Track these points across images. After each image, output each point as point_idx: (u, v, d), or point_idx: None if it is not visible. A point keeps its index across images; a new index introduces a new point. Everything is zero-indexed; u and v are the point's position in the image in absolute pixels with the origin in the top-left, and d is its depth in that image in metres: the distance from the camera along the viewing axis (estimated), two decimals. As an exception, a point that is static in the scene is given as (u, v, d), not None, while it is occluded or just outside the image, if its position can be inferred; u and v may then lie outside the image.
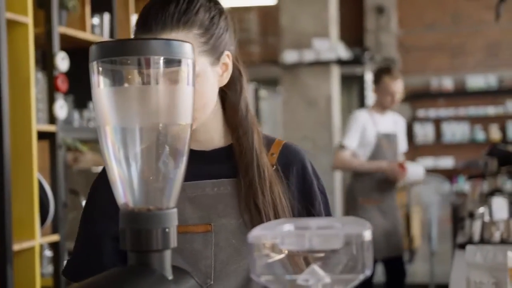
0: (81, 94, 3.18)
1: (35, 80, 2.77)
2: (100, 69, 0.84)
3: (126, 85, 0.94)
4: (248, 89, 1.34)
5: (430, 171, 9.52)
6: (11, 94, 2.61)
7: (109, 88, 0.85)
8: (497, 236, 2.74)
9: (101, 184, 1.25)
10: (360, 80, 7.03)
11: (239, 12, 9.90)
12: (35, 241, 2.69)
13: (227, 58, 1.24)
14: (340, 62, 6.00)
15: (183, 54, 0.85)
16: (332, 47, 5.90)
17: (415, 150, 10.28)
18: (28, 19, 2.67)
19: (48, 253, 2.96)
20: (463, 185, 9.47)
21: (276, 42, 8.72)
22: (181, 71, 0.86)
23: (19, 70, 2.67)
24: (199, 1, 1.18)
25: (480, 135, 10.06)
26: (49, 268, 3.03)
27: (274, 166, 1.26)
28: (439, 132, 10.26)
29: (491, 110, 9.98)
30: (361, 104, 7.13)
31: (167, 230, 0.83)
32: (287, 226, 0.78)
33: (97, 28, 3.24)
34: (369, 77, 7.27)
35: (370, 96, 7.33)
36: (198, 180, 1.22)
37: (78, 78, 3.08)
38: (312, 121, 6.02)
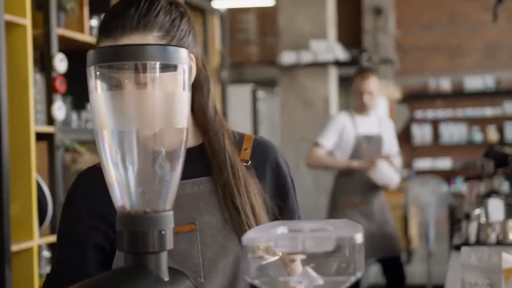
0: (79, 96, 3.20)
1: (34, 82, 2.78)
2: (98, 74, 0.86)
3: (123, 89, 0.96)
4: (215, 91, 1.36)
5: (428, 172, 9.54)
6: (10, 95, 2.62)
7: (106, 93, 0.87)
8: (493, 237, 2.75)
9: (77, 193, 1.24)
10: (357, 81, 7.05)
11: (237, 12, 9.92)
12: (34, 242, 2.70)
13: (190, 60, 1.25)
14: (338, 63, 6.01)
15: (179, 59, 0.87)
16: (330, 48, 5.92)
17: (413, 151, 10.30)
18: (27, 21, 2.68)
19: (46, 253, 2.97)
20: (461, 186, 9.48)
21: (274, 42, 8.73)
22: (177, 76, 0.87)
23: (17, 71, 2.68)
24: (160, 4, 1.18)
25: (477, 136, 10.08)
26: (47, 269, 3.04)
27: (249, 161, 1.28)
28: (437, 133, 10.28)
29: (488, 111, 10.00)
30: (359, 105, 7.15)
31: (163, 232, 0.84)
32: (281, 229, 0.79)
33: (95, 30, 3.25)
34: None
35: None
36: None
37: (76, 79, 3.09)
38: (309, 122, 6.03)
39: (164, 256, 0.85)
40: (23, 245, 2.65)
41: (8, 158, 2.58)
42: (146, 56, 0.85)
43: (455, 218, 4.40)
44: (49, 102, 2.89)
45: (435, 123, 10.27)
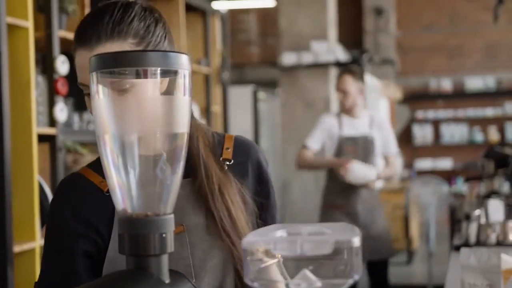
0: (81, 97, 3.20)
1: (36, 84, 2.79)
2: (100, 79, 0.87)
3: (124, 95, 0.97)
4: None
5: (429, 172, 9.55)
6: (12, 97, 2.63)
7: (108, 98, 0.88)
8: (493, 238, 2.76)
9: (62, 202, 1.24)
10: (358, 81, 7.06)
11: (238, 13, 9.93)
12: (36, 243, 2.71)
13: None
14: (339, 64, 6.02)
15: (179, 65, 0.88)
16: (331, 49, 5.93)
17: (414, 151, 10.31)
18: (29, 23, 2.70)
19: (48, 254, 2.98)
20: (462, 186, 9.49)
21: (275, 43, 8.74)
22: (178, 82, 0.88)
23: (19, 73, 2.69)
24: (134, 10, 1.19)
25: (478, 137, 10.08)
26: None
27: (231, 160, 1.29)
28: (438, 133, 10.29)
29: (489, 111, 10.01)
30: (360, 105, 7.16)
31: (164, 235, 0.86)
32: (280, 232, 0.80)
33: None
34: (367, 79, 7.29)
35: (369, 98, 7.34)
36: None
37: (77, 81, 3.10)
38: (310, 123, 6.04)
39: (165, 258, 0.87)
40: (25, 246, 2.66)
41: (10, 160, 2.59)
42: (147, 62, 0.86)
43: (456, 219, 4.41)
44: (51, 104, 2.90)
45: (436, 124, 10.28)
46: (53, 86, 2.90)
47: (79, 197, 1.23)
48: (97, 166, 1.25)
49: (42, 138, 2.85)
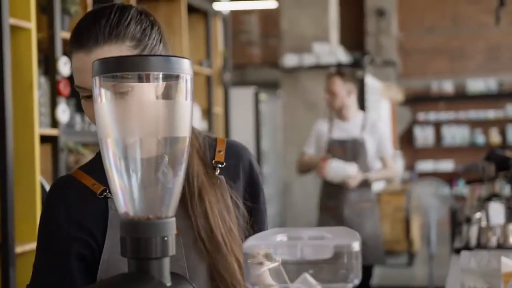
0: (82, 98, 3.22)
1: (38, 85, 2.80)
2: (102, 83, 0.88)
3: (126, 99, 0.98)
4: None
5: (430, 174, 9.55)
6: (14, 98, 2.65)
7: (110, 102, 0.89)
8: (493, 241, 2.76)
9: (55, 204, 1.24)
10: (360, 83, 7.06)
11: (240, 14, 9.94)
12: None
13: None
14: (340, 66, 6.03)
15: (181, 70, 0.89)
16: (332, 51, 5.93)
17: (415, 153, 10.32)
18: (31, 25, 2.71)
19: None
20: (463, 188, 9.49)
21: (276, 44, 8.75)
22: (179, 86, 0.89)
23: (22, 74, 2.70)
24: (130, 14, 1.19)
25: (480, 139, 10.09)
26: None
27: (224, 163, 1.29)
28: (439, 136, 10.29)
29: (491, 113, 10.01)
30: (361, 107, 7.16)
31: (165, 238, 0.86)
32: (280, 236, 0.81)
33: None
34: (369, 80, 7.29)
35: (370, 100, 7.35)
36: None
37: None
38: (311, 124, 6.04)
39: (166, 261, 0.87)
40: (27, 247, 2.67)
41: (12, 161, 2.60)
42: (149, 66, 0.87)
43: (456, 221, 4.41)
44: (53, 105, 2.91)
45: (437, 126, 10.28)
46: (55, 87, 2.91)
47: (71, 200, 1.23)
48: (89, 168, 1.26)
49: (44, 139, 2.86)
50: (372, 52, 9.47)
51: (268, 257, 0.78)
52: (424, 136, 10.29)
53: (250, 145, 6.21)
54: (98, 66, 0.88)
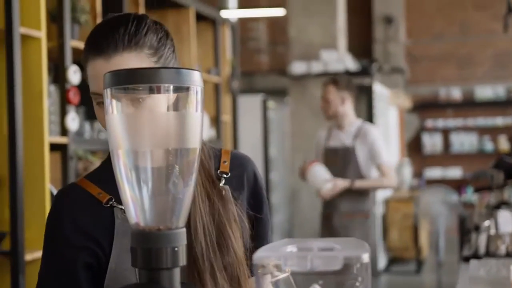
0: (92, 106, 3.23)
1: (48, 93, 2.82)
2: (114, 95, 0.89)
3: (138, 111, 0.99)
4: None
5: (438, 182, 9.52)
6: (24, 107, 2.66)
7: (121, 114, 0.90)
8: (502, 249, 2.75)
9: (61, 213, 1.24)
10: (368, 91, 7.06)
11: (248, 21, 9.96)
12: (46, 251, 2.73)
13: None
14: (348, 73, 6.03)
15: (192, 82, 0.89)
16: (340, 58, 5.94)
17: (423, 160, 10.29)
18: (41, 33, 2.73)
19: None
20: (471, 195, 9.46)
21: (284, 51, 8.76)
22: (190, 98, 0.90)
23: (32, 83, 2.72)
24: (147, 23, 1.21)
25: (488, 146, 10.06)
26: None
27: (228, 173, 1.30)
28: (448, 142, 10.27)
29: (499, 120, 9.98)
30: (369, 115, 7.15)
31: (176, 249, 0.87)
32: (290, 247, 0.82)
33: (108, 42, 3.30)
34: (377, 88, 7.29)
35: (378, 107, 7.34)
36: None
37: (89, 90, 3.13)
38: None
39: (177, 272, 0.88)
40: (36, 254, 2.68)
41: (22, 168, 2.62)
42: (160, 78, 0.88)
43: (465, 229, 4.39)
44: (63, 113, 2.93)
45: (445, 132, 10.26)
46: (65, 95, 2.93)
47: (77, 209, 1.23)
48: (95, 177, 1.26)
49: (53, 147, 2.87)
50: (380, 59, 9.47)
51: (278, 268, 0.79)
52: (432, 143, 10.27)
53: (258, 152, 6.21)
54: (110, 78, 0.89)
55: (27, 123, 2.68)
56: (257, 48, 10.26)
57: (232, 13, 5.52)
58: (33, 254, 2.67)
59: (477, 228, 3.23)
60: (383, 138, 4.16)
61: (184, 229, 0.88)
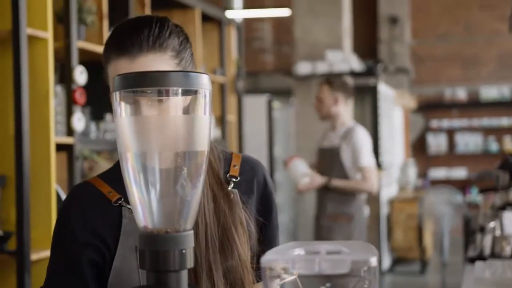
0: (98, 106, 3.25)
1: (54, 93, 2.83)
2: (122, 99, 0.89)
3: (146, 114, 0.99)
4: None
5: (443, 182, 9.51)
6: (31, 107, 2.67)
7: (130, 117, 0.90)
8: (508, 250, 2.75)
9: (71, 210, 1.26)
10: (373, 91, 7.05)
11: (253, 21, 9.96)
12: (52, 251, 2.74)
13: None
14: (353, 74, 6.02)
15: (200, 85, 0.90)
16: (345, 58, 5.93)
17: (428, 161, 10.28)
18: (48, 34, 2.74)
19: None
20: (476, 196, 9.45)
21: (289, 51, 8.76)
22: (198, 101, 0.91)
23: (38, 83, 2.73)
24: (169, 26, 1.22)
25: (493, 146, 10.04)
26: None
27: (238, 177, 1.31)
28: (452, 143, 10.25)
29: (504, 121, 9.96)
30: (374, 115, 7.15)
31: (183, 251, 0.87)
32: (298, 250, 0.82)
33: (114, 42, 3.30)
34: (382, 88, 7.28)
35: (383, 108, 7.34)
36: None
37: (95, 90, 3.14)
38: (324, 132, 6.04)
39: (184, 274, 0.88)
40: (42, 254, 2.69)
41: (28, 168, 2.63)
42: (169, 82, 0.88)
43: (470, 229, 4.39)
44: (69, 114, 2.94)
45: (450, 133, 10.24)
46: (71, 96, 2.94)
47: (87, 207, 1.25)
48: (107, 176, 1.28)
49: (59, 147, 2.88)
50: (385, 59, 9.46)
51: (285, 271, 0.79)
52: (437, 143, 10.25)
53: (263, 153, 6.22)
54: (119, 82, 0.89)
55: (33, 123, 2.69)
56: (262, 48, 10.26)
57: (237, 13, 5.52)
58: (39, 254, 2.68)
59: (482, 229, 3.23)
60: (369, 141, 4.06)
61: (192, 232, 0.89)
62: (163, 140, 0.90)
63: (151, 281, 0.88)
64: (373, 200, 6.79)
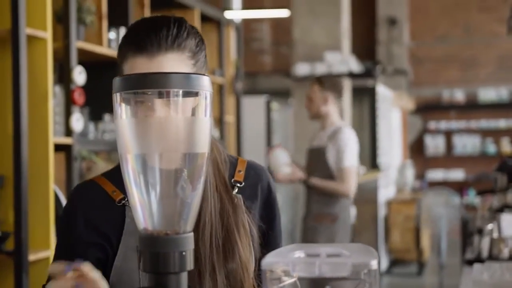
0: (97, 107, 3.24)
1: (53, 93, 2.83)
2: (123, 100, 0.89)
3: (147, 115, 0.99)
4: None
5: (440, 184, 9.52)
6: (29, 107, 2.67)
7: (131, 119, 0.90)
8: (506, 252, 2.75)
9: (75, 209, 1.26)
10: (371, 92, 7.05)
11: (252, 22, 9.96)
12: (50, 251, 2.74)
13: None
14: (352, 75, 6.02)
15: (201, 87, 0.90)
16: (344, 60, 5.93)
17: (426, 162, 10.28)
18: (47, 34, 2.73)
19: (62, 262, 3.01)
20: (473, 198, 9.45)
21: (288, 52, 8.76)
22: (199, 103, 0.90)
23: (37, 83, 2.73)
24: (187, 27, 1.22)
25: (491, 148, 10.04)
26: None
27: (242, 183, 1.31)
28: (450, 144, 10.25)
29: (502, 123, 9.97)
30: (372, 116, 7.15)
31: (184, 253, 0.87)
32: (298, 253, 0.82)
33: (113, 42, 3.30)
34: (380, 89, 7.29)
35: (381, 109, 7.34)
36: None
37: (94, 90, 3.14)
38: (323, 133, 6.04)
39: (184, 276, 0.88)
40: (40, 255, 2.69)
41: (27, 169, 2.62)
42: (169, 83, 0.88)
43: (468, 232, 4.39)
44: (68, 114, 2.93)
45: (448, 134, 10.25)
46: (70, 96, 2.94)
47: (90, 206, 1.25)
48: (112, 175, 1.28)
49: (58, 147, 2.88)
50: (384, 60, 9.46)
51: (286, 273, 0.79)
52: (434, 144, 10.26)
53: (261, 154, 6.21)
54: (119, 83, 0.89)
55: (32, 123, 2.68)
56: (260, 49, 10.26)
57: (236, 14, 5.52)
58: (37, 254, 2.68)
59: (480, 231, 3.23)
60: (355, 142, 4.01)
61: (192, 234, 0.89)
62: (163, 142, 0.90)
63: (151, 283, 0.88)
64: (371, 201, 6.79)
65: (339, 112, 4.13)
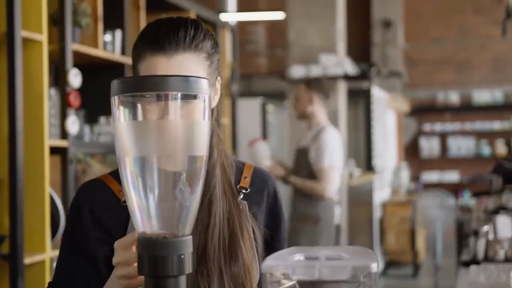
0: (92, 109, 3.24)
1: (48, 96, 2.82)
2: (121, 103, 0.89)
3: (145, 118, 0.99)
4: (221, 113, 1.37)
5: (435, 185, 9.53)
6: (25, 110, 2.66)
7: (129, 122, 0.90)
8: (501, 254, 2.75)
9: (82, 208, 1.26)
10: (366, 94, 7.06)
11: (247, 24, 9.96)
12: (46, 255, 2.73)
13: (218, 83, 1.29)
14: (347, 77, 6.03)
15: (199, 90, 0.90)
16: (339, 62, 5.94)
17: (421, 164, 10.30)
18: (43, 37, 2.73)
19: (58, 265, 3.00)
20: (468, 200, 9.47)
21: (283, 54, 8.77)
22: (197, 106, 0.90)
23: (33, 86, 2.72)
24: (203, 29, 1.23)
25: (485, 150, 10.07)
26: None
27: (248, 189, 1.31)
28: (445, 146, 10.28)
29: (497, 125, 10.00)
30: (367, 118, 7.16)
31: (182, 256, 0.87)
32: (297, 256, 0.82)
33: (109, 45, 3.30)
34: (375, 91, 7.30)
35: (376, 111, 7.35)
36: None
37: (90, 93, 3.14)
38: (318, 135, 6.04)
39: (183, 279, 0.88)
40: (36, 258, 2.68)
41: (22, 172, 2.62)
42: (168, 86, 0.88)
43: (463, 233, 4.39)
44: (63, 117, 2.93)
45: (443, 136, 10.27)
46: (66, 98, 2.93)
47: (96, 204, 1.25)
48: (118, 175, 1.28)
49: (53, 150, 2.87)
50: (378, 63, 9.48)
51: (286, 276, 0.79)
52: (429, 147, 10.28)
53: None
54: (117, 86, 0.89)
55: (27, 126, 2.67)
56: (256, 51, 10.26)
57: (231, 16, 5.53)
58: (32, 258, 2.67)
59: (475, 233, 3.23)
60: (337, 143, 3.99)
61: (190, 237, 0.88)
62: (162, 145, 0.89)
63: (150, 286, 0.88)
64: (366, 203, 6.80)
65: (326, 113, 4.13)
